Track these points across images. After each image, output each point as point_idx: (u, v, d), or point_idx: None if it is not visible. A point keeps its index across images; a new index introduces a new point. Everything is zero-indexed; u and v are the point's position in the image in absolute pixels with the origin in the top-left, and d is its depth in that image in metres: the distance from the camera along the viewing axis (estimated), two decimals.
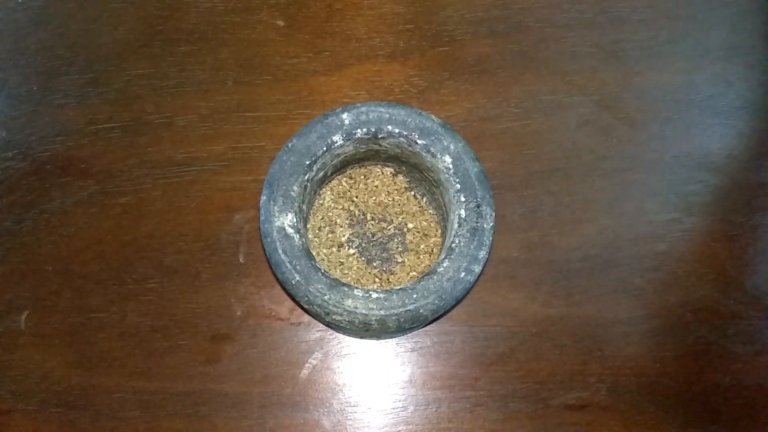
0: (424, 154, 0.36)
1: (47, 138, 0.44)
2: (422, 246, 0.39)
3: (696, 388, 0.40)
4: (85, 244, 0.42)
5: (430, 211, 0.40)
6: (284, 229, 0.34)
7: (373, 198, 0.40)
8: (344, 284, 0.33)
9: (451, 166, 0.35)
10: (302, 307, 0.37)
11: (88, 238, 0.42)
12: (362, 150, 0.37)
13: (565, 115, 0.45)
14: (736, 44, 0.47)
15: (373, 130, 0.36)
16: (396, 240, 0.39)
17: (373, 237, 0.39)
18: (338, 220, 0.39)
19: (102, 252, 0.42)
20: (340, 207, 0.40)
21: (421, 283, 0.33)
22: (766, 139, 0.45)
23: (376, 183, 0.40)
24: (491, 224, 0.34)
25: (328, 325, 0.39)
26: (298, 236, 0.34)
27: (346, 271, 0.38)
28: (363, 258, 0.39)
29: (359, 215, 0.40)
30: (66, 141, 0.44)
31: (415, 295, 0.33)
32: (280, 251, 0.33)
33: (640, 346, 0.40)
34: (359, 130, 0.36)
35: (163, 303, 0.41)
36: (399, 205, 0.40)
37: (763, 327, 0.41)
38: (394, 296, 0.33)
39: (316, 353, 0.40)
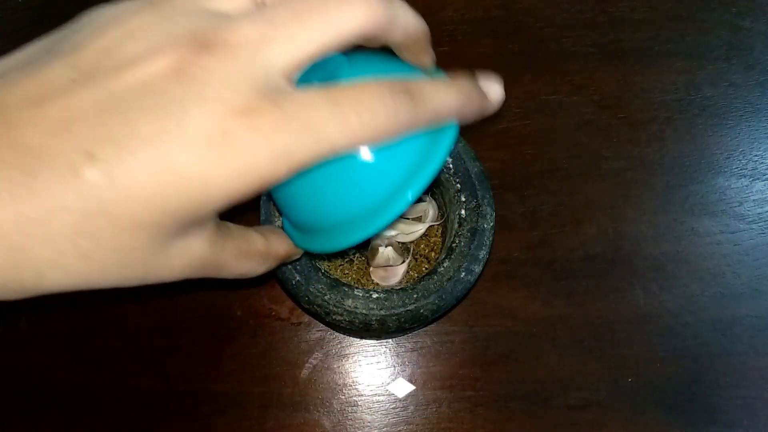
0: None
1: None
2: (422, 246, 0.39)
3: (696, 388, 0.40)
4: None
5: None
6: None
7: None
8: (344, 284, 0.33)
9: (451, 166, 0.35)
10: (302, 307, 0.37)
11: None
12: None
13: (565, 115, 0.45)
14: (736, 44, 0.47)
15: None
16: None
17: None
18: None
19: None
20: None
21: (421, 283, 0.33)
22: (766, 139, 0.45)
23: None
24: (491, 224, 0.34)
25: (328, 325, 0.39)
26: None
27: (346, 271, 0.38)
28: (363, 258, 0.39)
29: None
30: None
31: (415, 295, 0.33)
32: None
33: (640, 346, 0.40)
34: None
35: (163, 303, 0.41)
36: None
37: (763, 327, 0.41)
38: (394, 296, 0.33)
39: (316, 353, 0.40)
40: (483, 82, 0.24)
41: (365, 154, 0.22)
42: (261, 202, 0.34)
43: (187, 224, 0.18)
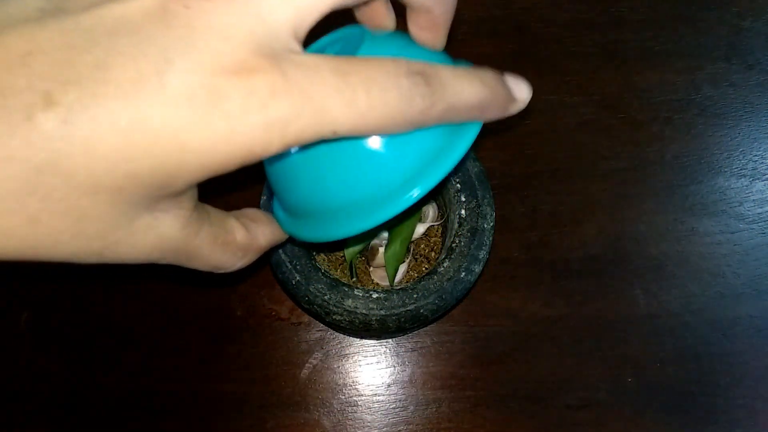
0: None
1: None
2: (422, 246, 0.39)
3: (696, 388, 0.40)
4: None
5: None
6: None
7: None
8: (344, 284, 0.33)
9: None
10: (302, 307, 0.37)
11: None
12: None
13: (565, 115, 0.45)
14: (736, 44, 0.47)
15: None
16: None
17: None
18: None
19: None
20: None
21: (421, 283, 0.33)
22: (766, 139, 0.45)
23: None
24: (491, 224, 0.34)
25: (328, 325, 0.39)
26: None
27: (346, 271, 0.38)
28: (363, 258, 0.39)
29: None
30: None
31: (415, 295, 0.33)
32: (280, 251, 0.33)
33: (640, 346, 0.40)
34: None
35: (163, 303, 0.41)
36: None
37: (763, 327, 0.41)
38: (394, 296, 0.33)
39: (316, 353, 0.40)
40: (510, 79, 0.21)
41: (373, 139, 0.19)
42: (261, 203, 0.34)
43: (157, 195, 0.16)
